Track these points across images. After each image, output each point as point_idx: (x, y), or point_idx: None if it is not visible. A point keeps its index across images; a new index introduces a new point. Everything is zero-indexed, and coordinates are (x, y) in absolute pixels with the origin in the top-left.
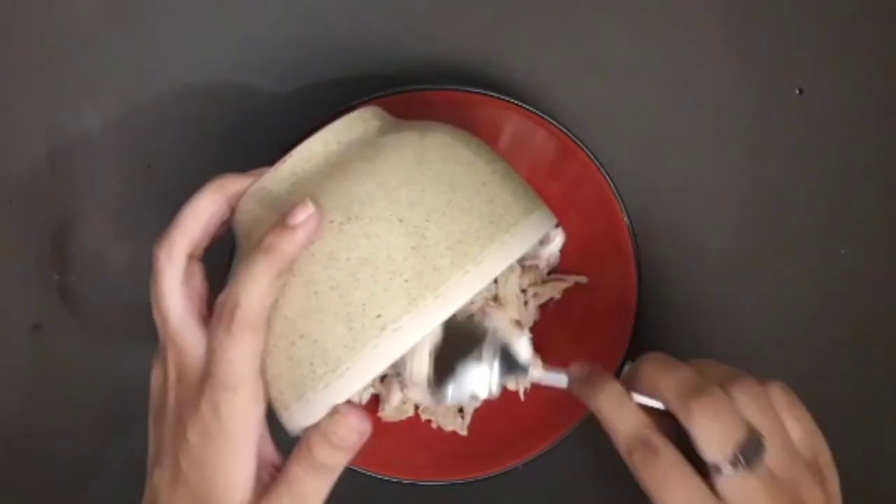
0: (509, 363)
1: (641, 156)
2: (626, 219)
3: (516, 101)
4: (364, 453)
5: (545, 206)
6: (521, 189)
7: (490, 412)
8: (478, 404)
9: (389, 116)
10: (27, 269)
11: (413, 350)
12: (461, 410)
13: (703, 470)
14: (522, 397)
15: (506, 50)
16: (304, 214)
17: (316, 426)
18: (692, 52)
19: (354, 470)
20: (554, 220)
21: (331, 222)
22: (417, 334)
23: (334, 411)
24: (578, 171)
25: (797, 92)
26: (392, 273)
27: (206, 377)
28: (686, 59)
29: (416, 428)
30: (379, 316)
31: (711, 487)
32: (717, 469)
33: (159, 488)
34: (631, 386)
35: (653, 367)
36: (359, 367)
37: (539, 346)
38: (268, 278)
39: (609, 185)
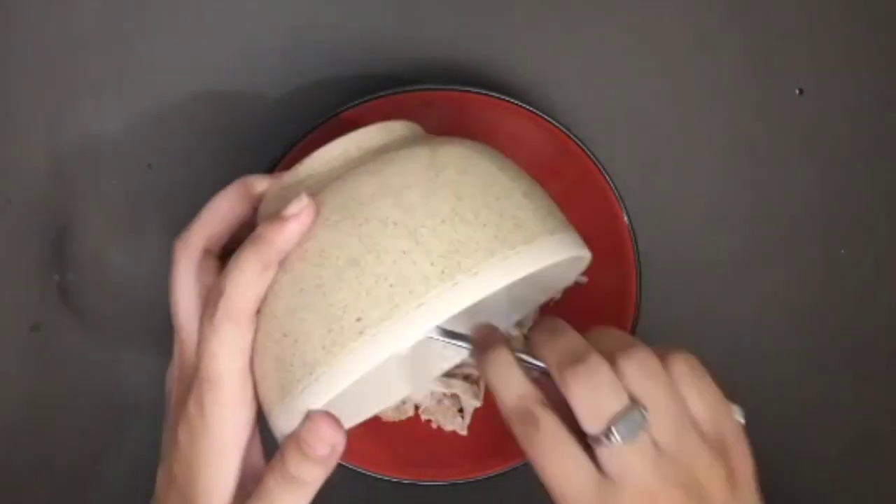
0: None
1: (641, 156)
2: (626, 219)
3: (516, 101)
4: (364, 453)
5: (575, 233)
6: (544, 210)
7: (490, 412)
8: (478, 404)
9: (422, 130)
10: (27, 269)
11: None
12: (461, 410)
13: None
14: None
15: (506, 50)
16: (296, 207)
17: (292, 434)
18: (692, 52)
19: (355, 470)
20: (583, 251)
21: (326, 219)
22: (397, 342)
23: (307, 418)
24: (578, 171)
25: (797, 92)
26: (377, 276)
27: (194, 373)
28: (686, 59)
29: (416, 428)
30: (359, 319)
31: (595, 459)
32: (597, 440)
33: (159, 489)
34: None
35: (539, 334)
36: (334, 371)
37: None
38: (254, 269)
39: (609, 185)
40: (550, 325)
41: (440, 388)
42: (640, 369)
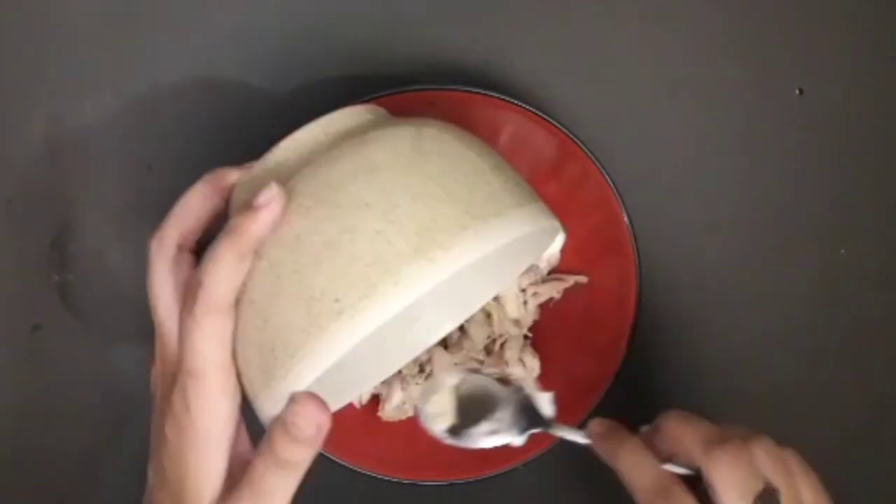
0: (532, 418)
1: (641, 156)
2: (626, 219)
3: (516, 101)
4: (364, 453)
5: (543, 205)
6: (512, 183)
7: None
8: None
9: (387, 114)
10: (27, 269)
11: (434, 383)
12: None
13: None
14: None
15: (506, 50)
16: (267, 195)
17: (278, 417)
18: (692, 53)
19: (354, 470)
20: (553, 221)
21: (300, 206)
22: (375, 320)
23: (291, 400)
24: (578, 171)
25: (797, 92)
26: (352, 257)
27: (178, 367)
28: (686, 59)
29: (416, 428)
30: (337, 300)
31: None
32: None
33: (152, 486)
34: (651, 441)
35: (676, 421)
36: (315, 353)
37: (539, 346)
38: (230, 259)
39: (609, 185)
40: (683, 414)
41: None
42: (769, 456)
